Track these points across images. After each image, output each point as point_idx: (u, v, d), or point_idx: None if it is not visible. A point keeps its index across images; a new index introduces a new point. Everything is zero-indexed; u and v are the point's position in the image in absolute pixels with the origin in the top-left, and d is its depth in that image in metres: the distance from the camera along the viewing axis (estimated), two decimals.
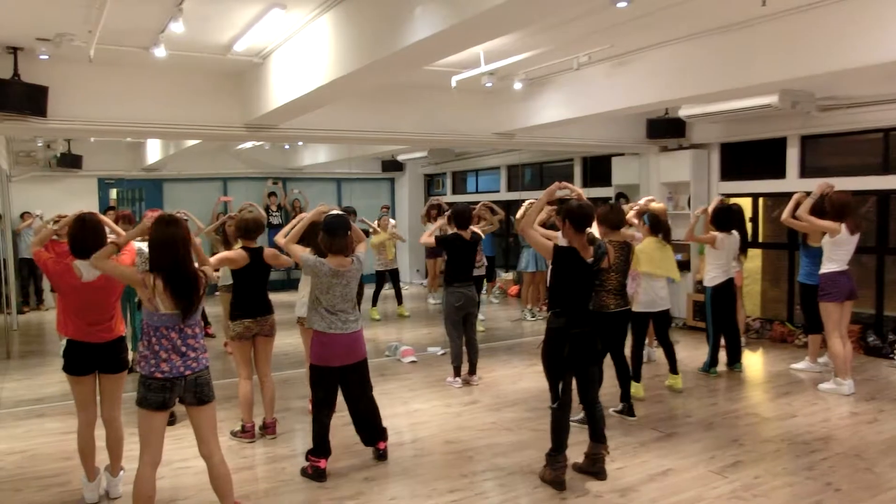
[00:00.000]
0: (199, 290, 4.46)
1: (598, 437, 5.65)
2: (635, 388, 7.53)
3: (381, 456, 6.00)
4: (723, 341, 8.82)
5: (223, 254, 6.56)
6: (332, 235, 5.63)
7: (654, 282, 7.78)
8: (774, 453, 6.09)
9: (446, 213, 9.13)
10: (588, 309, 5.55)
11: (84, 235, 5.02)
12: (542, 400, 7.46)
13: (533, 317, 12.61)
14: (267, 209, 16.93)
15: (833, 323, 7.77)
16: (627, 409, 7.12)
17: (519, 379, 8.61)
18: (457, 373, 8.37)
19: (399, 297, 13.82)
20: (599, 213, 6.48)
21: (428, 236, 8.34)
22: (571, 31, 7.13)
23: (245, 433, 6.57)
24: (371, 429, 6.00)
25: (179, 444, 6.13)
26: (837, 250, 7.72)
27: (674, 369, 8.03)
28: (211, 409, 4.61)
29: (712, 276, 8.58)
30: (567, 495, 5.27)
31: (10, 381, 9.06)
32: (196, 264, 4.58)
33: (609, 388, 7.08)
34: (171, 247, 4.39)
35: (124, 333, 5.37)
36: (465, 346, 8.44)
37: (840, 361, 7.75)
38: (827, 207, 7.83)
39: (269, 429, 6.68)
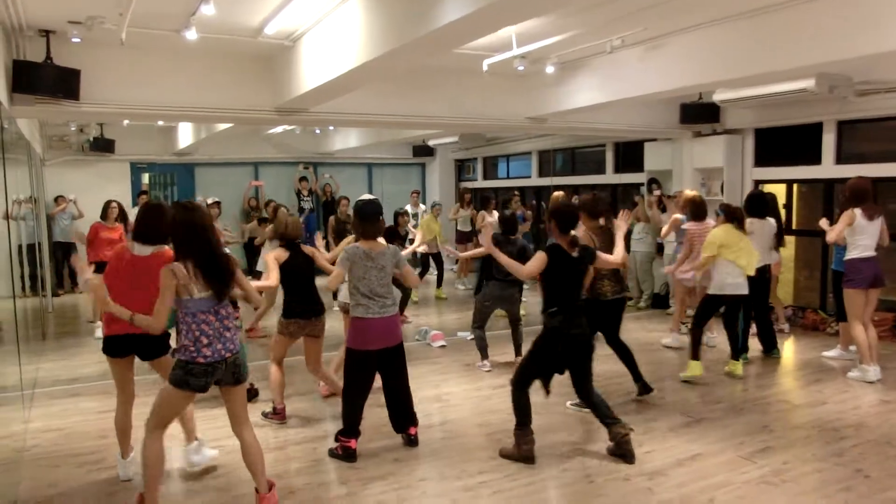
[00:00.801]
0: (232, 271, 4.52)
1: (610, 421, 5.70)
2: (693, 367, 7.74)
3: (412, 441, 5.97)
4: (754, 329, 8.74)
5: (268, 259, 6.35)
6: (363, 220, 5.71)
7: (724, 266, 7.69)
8: (804, 439, 6.04)
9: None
10: (581, 305, 5.68)
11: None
12: (569, 384, 7.44)
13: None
14: (298, 194, 17.02)
15: (856, 309, 7.73)
16: (643, 388, 7.17)
17: None
18: (483, 356, 8.42)
19: (440, 280, 14.18)
20: (582, 201, 7.17)
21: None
22: (604, 13, 7.08)
23: (276, 414, 6.62)
24: (404, 414, 5.99)
25: (214, 424, 6.19)
26: (858, 236, 7.67)
27: (735, 355, 7.97)
28: (244, 387, 4.69)
29: None
30: (595, 478, 5.27)
31: (46, 361, 9.20)
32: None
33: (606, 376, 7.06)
34: (195, 231, 4.44)
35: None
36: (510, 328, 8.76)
37: (864, 348, 7.68)
38: (844, 194, 7.90)
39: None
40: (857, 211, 7.64)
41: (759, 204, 8.59)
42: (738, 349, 8.02)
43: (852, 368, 7.92)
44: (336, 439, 5.77)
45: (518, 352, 8.52)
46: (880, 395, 7.17)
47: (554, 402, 7.03)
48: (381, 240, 5.89)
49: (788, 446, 5.86)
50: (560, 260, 5.53)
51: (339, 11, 6.73)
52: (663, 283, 12.13)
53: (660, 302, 12.14)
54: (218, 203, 12.91)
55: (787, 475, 5.28)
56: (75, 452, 5.94)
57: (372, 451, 5.82)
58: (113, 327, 5.05)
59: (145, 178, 16.92)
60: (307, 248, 6.63)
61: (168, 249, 5.01)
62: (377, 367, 5.80)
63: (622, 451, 5.63)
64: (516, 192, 15.17)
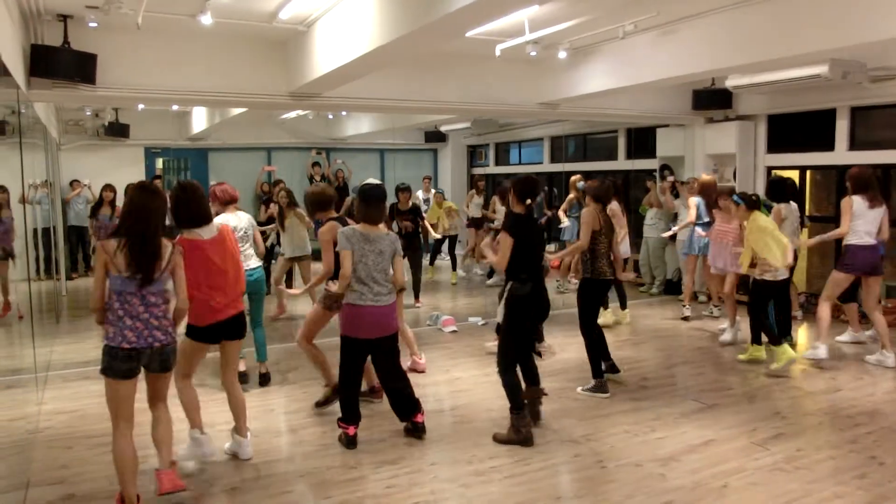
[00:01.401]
0: (160, 262, 4.43)
1: (532, 381, 6.16)
2: (757, 351, 7.83)
3: (419, 429, 5.82)
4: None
5: (321, 234, 6.05)
6: (366, 204, 5.61)
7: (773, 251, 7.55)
8: (817, 426, 6.05)
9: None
10: (539, 267, 6.06)
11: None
12: (582, 370, 7.50)
13: (563, 291, 12.60)
14: (310, 179, 17.04)
15: (835, 290, 7.96)
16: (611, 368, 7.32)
17: (560, 349, 8.61)
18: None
19: (454, 264, 14.36)
20: (590, 186, 7.38)
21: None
22: None
23: (373, 393, 6.60)
24: (405, 402, 5.83)
25: (224, 408, 6.22)
26: (857, 221, 7.69)
27: (758, 340, 7.92)
28: (171, 375, 4.79)
29: None
30: (607, 464, 5.29)
31: (59, 344, 9.27)
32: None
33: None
34: (141, 213, 4.43)
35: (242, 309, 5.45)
36: None
37: (825, 326, 7.84)
38: (847, 183, 7.96)
39: (377, 392, 6.56)
40: (857, 198, 7.70)
41: (782, 189, 8.59)
42: (774, 335, 7.73)
43: (871, 353, 7.97)
44: (338, 425, 5.73)
45: (540, 338, 8.47)
46: (895, 383, 7.15)
47: (564, 388, 7.07)
48: (382, 226, 5.72)
49: (802, 433, 5.87)
50: (523, 228, 5.86)
51: None
52: (675, 269, 12.11)
53: (672, 288, 12.12)
54: None
55: (801, 462, 5.28)
56: (88, 434, 5.97)
57: (383, 435, 5.85)
58: (210, 316, 5.16)
59: (159, 162, 16.98)
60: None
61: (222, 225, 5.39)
62: (368, 354, 5.77)
63: (534, 412, 6.11)
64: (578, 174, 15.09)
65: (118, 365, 4.33)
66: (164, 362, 4.53)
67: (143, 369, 4.49)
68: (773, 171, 11.16)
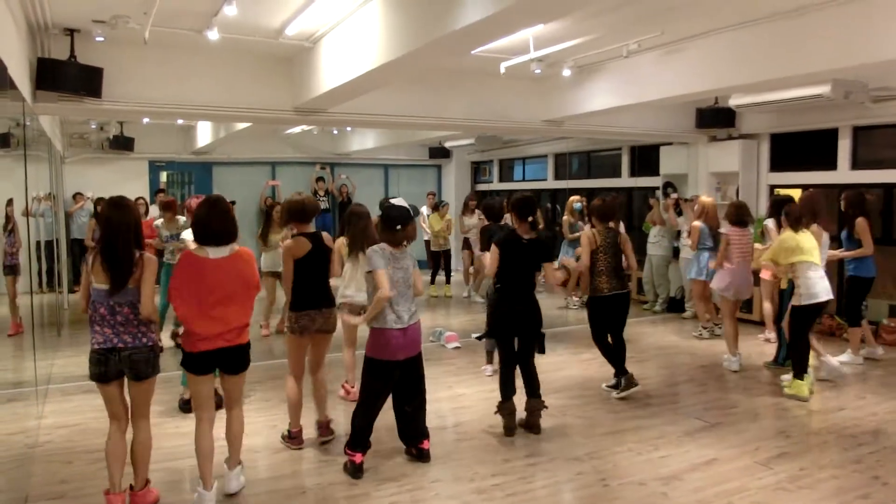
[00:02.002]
0: (132, 272, 4.62)
1: (532, 393, 6.38)
2: (797, 386, 7.27)
3: (424, 456, 5.62)
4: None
5: (285, 249, 5.88)
6: (391, 229, 5.42)
7: (808, 272, 7.26)
8: (821, 446, 6.02)
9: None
10: (530, 286, 6.32)
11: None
12: (585, 388, 7.53)
13: (573, 306, 12.62)
14: (315, 194, 17.05)
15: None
16: (619, 384, 7.39)
17: (564, 366, 8.60)
18: (489, 359, 8.37)
19: (448, 278, 14.38)
20: (592, 205, 7.61)
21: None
22: (621, 17, 7.10)
23: (292, 439, 6.00)
24: (414, 427, 5.67)
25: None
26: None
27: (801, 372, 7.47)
28: (147, 383, 4.79)
29: None
30: (610, 482, 5.27)
31: (60, 357, 9.25)
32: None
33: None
34: (112, 227, 4.62)
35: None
36: None
37: (816, 344, 7.89)
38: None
39: (323, 430, 6.11)
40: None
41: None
42: (804, 367, 7.45)
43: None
44: (344, 451, 5.51)
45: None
46: None
47: (567, 405, 7.07)
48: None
49: (805, 452, 5.85)
50: (511, 246, 6.24)
51: (360, 13, 6.77)
52: (679, 287, 12.11)
53: (675, 306, 12.12)
54: (233, 203, 12.96)
55: (804, 481, 5.26)
56: (88, 449, 5.94)
57: (385, 452, 5.83)
58: (200, 344, 4.78)
59: (163, 176, 16.99)
60: (327, 235, 6.10)
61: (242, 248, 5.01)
62: (399, 375, 5.53)
63: (530, 423, 6.32)
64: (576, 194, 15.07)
65: (92, 369, 4.67)
66: (134, 370, 4.67)
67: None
68: (776, 190, 11.18)
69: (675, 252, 11.86)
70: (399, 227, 5.41)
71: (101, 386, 4.72)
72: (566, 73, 8.98)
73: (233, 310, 4.80)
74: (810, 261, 7.24)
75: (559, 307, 12.76)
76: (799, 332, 7.44)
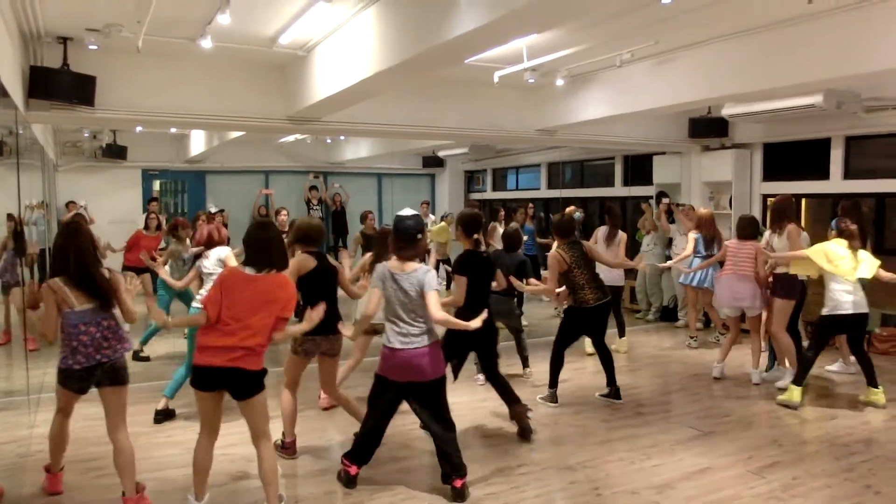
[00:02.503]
0: (108, 286, 4.83)
1: (511, 400, 6.44)
2: (792, 392, 7.26)
3: (459, 496, 5.14)
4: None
5: (290, 263, 5.55)
6: (405, 241, 5.19)
7: (834, 283, 7.12)
8: (813, 454, 6.03)
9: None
10: (485, 301, 6.15)
11: None
12: (577, 396, 7.54)
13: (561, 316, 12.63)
14: (308, 203, 17.06)
15: (784, 318, 7.97)
16: (614, 393, 7.51)
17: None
18: (479, 370, 8.35)
19: (448, 285, 14.16)
20: (552, 221, 7.81)
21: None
22: (614, 27, 7.12)
23: (285, 449, 5.92)
24: (446, 463, 5.24)
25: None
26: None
27: (872, 381, 7.37)
28: (124, 390, 4.93)
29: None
30: (603, 491, 5.26)
31: (52, 366, 9.15)
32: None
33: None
34: (68, 252, 4.76)
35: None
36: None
37: (793, 353, 7.92)
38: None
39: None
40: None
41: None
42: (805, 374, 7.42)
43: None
44: (341, 461, 5.43)
45: (525, 363, 8.51)
46: (890, 411, 7.14)
47: (561, 414, 7.06)
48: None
49: (798, 461, 5.85)
50: (474, 265, 6.22)
51: (353, 22, 6.79)
52: (672, 296, 12.12)
53: (668, 315, 12.13)
54: (221, 212, 13.03)
55: (797, 490, 5.26)
56: (80, 458, 5.91)
57: (378, 461, 5.80)
58: (204, 355, 4.63)
59: (156, 184, 17.00)
60: (333, 261, 6.09)
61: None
62: (408, 402, 5.33)
63: (521, 427, 6.39)
64: (531, 204, 15.16)
65: (70, 384, 4.85)
66: (113, 377, 4.86)
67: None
68: (769, 199, 11.23)
69: (668, 261, 11.86)
70: (405, 243, 5.17)
71: (73, 395, 4.94)
72: (560, 82, 9.00)
73: (249, 327, 4.58)
74: (840, 273, 7.09)
75: (551, 316, 12.76)
76: (817, 342, 7.38)
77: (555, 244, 7.72)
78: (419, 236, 5.24)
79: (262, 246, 4.81)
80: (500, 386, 6.47)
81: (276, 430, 6.17)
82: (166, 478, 5.50)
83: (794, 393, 7.24)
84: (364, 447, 5.38)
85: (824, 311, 7.22)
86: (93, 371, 4.79)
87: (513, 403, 6.43)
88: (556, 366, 7.53)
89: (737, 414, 7.11)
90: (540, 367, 8.82)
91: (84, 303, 4.74)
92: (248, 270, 4.74)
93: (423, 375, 5.16)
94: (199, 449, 4.79)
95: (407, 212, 5.37)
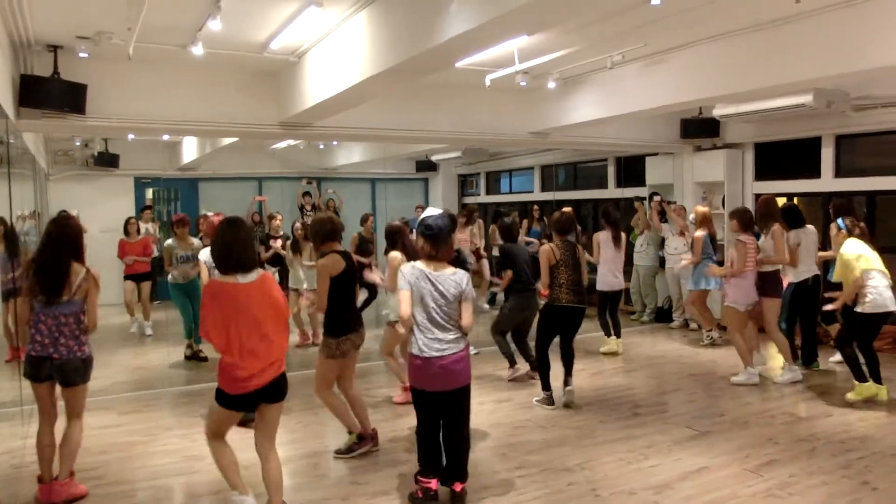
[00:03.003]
0: (66, 287, 5.00)
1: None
2: (865, 389, 7.21)
3: (456, 498, 5.07)
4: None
5: (322, 266, 5.69)
6: (434, 241, 4.95)
7: (879, 280, 7.07)
8: (810, 452, 6.03)
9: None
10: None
11: None
12: (576, 398, 7.49)
13: None
14: (301, 209, 17.01)
15: (775, 315, 8.22)
16: (568, 394, 7.48)
17: (553, 377, 8.56)
18: (512, 362, 8.54)
19: None
20: (552, 219, 7.80)
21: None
22: (605, 29, 7.14)
23: (367, 440, 6.02)
24: (452, 465, 5.11)
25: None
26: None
27: (877, 377, 7.31)
28: (79, 390, 5.17)
29: (797, 271, 8.38)
30: (601, 492, 5.26)
31: None
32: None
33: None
34: (50, 244, 5.06)
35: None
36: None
37: (787, 349, 8.25)
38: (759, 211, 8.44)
39: (376, 438, 6.13)
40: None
41: (797, 215, 8.52)
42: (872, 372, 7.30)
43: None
44: (415, 480, 5.15)
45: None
46: (886, 408, 7.15)
47: (557, 416, 7.06)
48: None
49: (794, 459, 5.86)
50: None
51: (344, 27, 6.79)
52: (666, 297, 12.13)
53: (663, 316, 12.14)
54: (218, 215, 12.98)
55: (794, 488, 5.27)
56: (75, 469, 5.85)
57: (376, 465, 5.82)
58: (238, 385, 4.44)
59: (149, 192, 16.94)
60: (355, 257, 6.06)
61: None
62: (437, 408, 5.03)
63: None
64: (536, 207, 15.15)
65: (27, 369, 5.09)
66: (62, 377, 5.09)
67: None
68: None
69: (662, 261, 11.88)
70: (443, 244, 4.96)
71: (33, 384, 5.15)
72: (551, 84, 9.02)
73: (270, 341, 4.47)
74: (876, 268, 7.09)
75: None
76: (847, 337, 7.33)
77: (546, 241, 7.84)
78: (450, 236, 5.06)
79: (249, 245, 4.63)
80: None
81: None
82: (161, 486, 5.50)
83: (867, 389, 7.20)
84: (430, 459, 5.06)
85: (866, 309, 7.06)
86: (42, 362, 5.01)
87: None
88: (543, 368, 7.54)
89: (733, 413, 7.12)
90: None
91: (40, 294, 4.98)
92: (240, 276, 4.47)
93: (459, 382, 4.95)
94: (266, 457, 4.67)
95: (434, 211, 5.20)
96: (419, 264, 4.95)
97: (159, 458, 6.06)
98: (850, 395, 7.27)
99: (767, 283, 8.06)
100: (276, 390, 4.56)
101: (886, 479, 5.42)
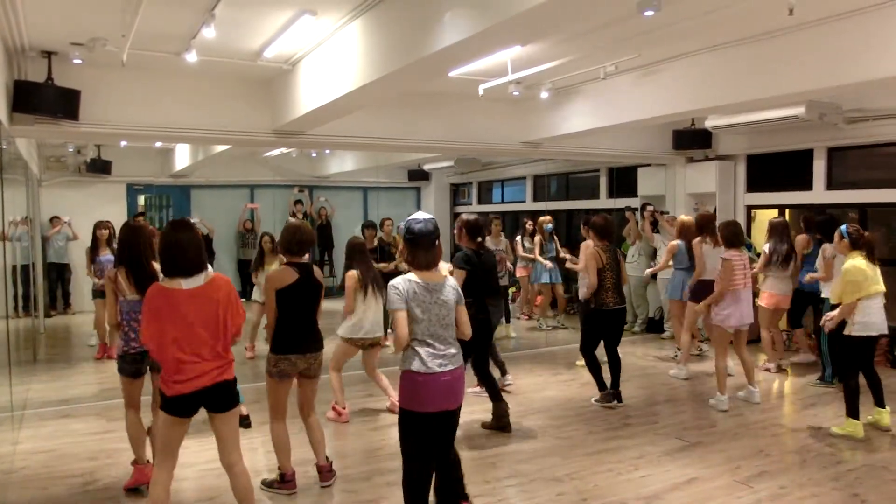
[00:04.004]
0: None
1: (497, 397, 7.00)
2: (853, 427, 6.68)
3: None
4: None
5: (267, 279, 5.46)
6: (414, 245, 4.53)
7: (870, 302, 6.61)
8: (800, 464, 6.05)
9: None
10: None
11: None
12: (566, 409, 7.54)
13: (549, 328, 12.69)
14: (293, 217, 17.00)
15: (695, 318, 9.05)
16: (616, 395, 7.83)
17: (543, 388, 8.60)
18: (504, 371, 8.58)
19: None
20: (592, 222, 7.98)
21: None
22: (598, 40, 7.15)
23: (286, 483, 5.51)
24: (450, 485, 4.88)
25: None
26: (707, 260, 8.69)
27: (879, 401, 6.97)
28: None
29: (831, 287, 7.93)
30: (591, 502, 5.26)
31: (36, 382, 9.15)
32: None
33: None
34: (131, 247, 5.39)
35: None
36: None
37: (687, 351, 9.18)
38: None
39: (324, 474, 5.66)
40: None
41: (831, 228, 7.96)
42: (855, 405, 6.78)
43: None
44: None
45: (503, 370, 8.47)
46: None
47: (547, 426, 7.06)
48: (443, 266, 4.74)
49: (785, 470, 5.87)
50: (473, 262, 6.71)
51: (338, 36, 6.80)
52: (658, 308, 12.15)
53: (654, 326, 12.16)
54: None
55: (784, 500, 5.28)
56: (65, 474, 5.89)
57: (364, 474, 5.81)
58: (178, 386, 4.34)
59: (141, 199, 16.90)
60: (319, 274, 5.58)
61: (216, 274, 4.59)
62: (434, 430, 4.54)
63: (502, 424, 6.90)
64: (547, 215, 14.86)
65: (127, 367, 5.38)
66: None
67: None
68: (753, 211, 11.33)
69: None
70: (432, 248, 4.56)
71: (132, 381, 5.42)
72: (544, 95, 9.03)
73: (213, 345, 4.37)
74: (876, 291, 6.65)
75: (539, 328, 12.78)
76: (849, 366, 6.86)
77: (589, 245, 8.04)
78: (436, 241, 4.60)
79: (195, 246, 4.48)
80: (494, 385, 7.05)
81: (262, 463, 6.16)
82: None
83: (855, 427, 6.68)
84: (420, 496, 4.51)
85: (853, 332, 6.64)
86: (145, 355, 5.29)
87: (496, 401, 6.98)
88: (594, 369, 7.87)
89: (723, 425, 7.13)
90: (527, 379, 8.87)
91: (134, 294, 5.27)
92: (184, 282, 4.37)
93: (458, 400, 4.54)
94: (155, 482, 4.48)
95: (420, 215, 4.71)
96: (412, 276, 4.46)
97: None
98: (835, 429, 6.79)
99: (703, 289, 8.32)
100: (218, 399, 4.42)
101: (876, 491, 5.44)
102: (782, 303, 9.28)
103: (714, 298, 7.65)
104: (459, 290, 4.64)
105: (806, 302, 9.33)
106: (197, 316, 4.32)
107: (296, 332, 5.38)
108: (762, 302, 9.21)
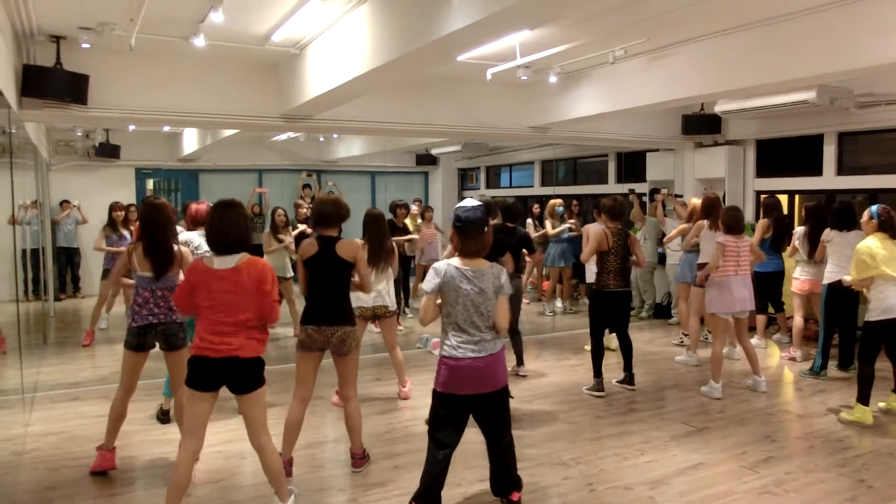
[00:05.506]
0: (171, 263, 5.48)
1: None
2: (862, 413, 6.63)
3: None
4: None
5: (300, 246, 5.52)
6: (463, 234, 4.59)
7: (886, 285, 6.53)
8: (807, 450, 6.05)
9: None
10: None
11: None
12: (572, 393, 7.56)
13: (552, 313, 12.69)
14: (301, 201, 17.01)
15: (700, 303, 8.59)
16: (628, 379, 7.94)
17: (550, 372, 8.61)
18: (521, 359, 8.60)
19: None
20: (603, 204, 7.88)
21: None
22: (607, 24, 7.12)
23: None
24: (504, 475, 4.92)
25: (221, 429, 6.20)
26: (705, 244, 8.58)
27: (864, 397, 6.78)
28: (184, 353, 5.27)
29: (829, 273, 8.13)
30: (596, 487, 5.28)
31: (46, 365, 9.21)
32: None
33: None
34: (153, 224, 5.48)
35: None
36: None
37: (696, 337, 9.28)
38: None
39: (356, 460, 5.62)
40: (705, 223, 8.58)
41: (846, 217, 8.16)
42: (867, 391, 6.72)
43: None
44: (410, 502, 4.74)
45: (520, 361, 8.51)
46: (883, 406, 7.17)
47: (554, 410, 7.07)
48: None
49: (791, 456, 5.88)
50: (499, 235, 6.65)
51: (346, 20, 6.78)
52: (665, 293, 12.14)
53: (661, 312, 12.15)
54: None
55: (790, 485, 5.29)
56: (75, 456, 5.93)
57: (372, 457, 5.82)
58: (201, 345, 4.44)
59: (150, 183, 16.97)
60: (345, 242, 5.45)
61: (254, 258, 4.57)
62: (474, 415, 4.75)
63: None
64: (577, 202, 14.73)
65: (131, 340, 5.46)
66: (167, 342, 5.51)
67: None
68: (762, 196, 11.29)
69: (661, 258, 11.88)
70: (462, 233, 4.60)
71: (134, 354, 5.48)
72: (552, 79, 9.01)
73: (234, 326, 4.40)
74: (888, 274, 6.47)
75: (543, 313, 12.79)
76: (867, 351, 6.76)
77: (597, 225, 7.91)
78: (485, 229, 4.65)
79: (225, 228, 4.54)
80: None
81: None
82: (160, 475, 5.49)
83: (865, 413, 6.63)
84: (433, 483, 4.69)
85: (872, 317, 6.60)
86: (147, 330, 5.44)
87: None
88: (596, 355, 7.79)
89: (730, 410, 7.13)
90: (534, 364, 8.89)
91: (147, 270, 5.41)
92: (217, 261, 4.48)
93: (497, 383, 4.65)
94: (179, 463, 4.48)
95: (469, 202, 4.70)
96: (454, 261, 4.58)
97: (157, 446, 6.08)
98: (844, 415, 6.75)
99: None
100: (238, 377, 4.44)
101: (882, 477, 5.44)
102: (816, 287, 8.77)
103: (700, 277, 7.98)
104: (505, 280, 4.66)
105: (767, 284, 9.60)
106: (221, 297, 4.42)
107: (314, 305, 5.38)
108: (794, 288, 9.16)
